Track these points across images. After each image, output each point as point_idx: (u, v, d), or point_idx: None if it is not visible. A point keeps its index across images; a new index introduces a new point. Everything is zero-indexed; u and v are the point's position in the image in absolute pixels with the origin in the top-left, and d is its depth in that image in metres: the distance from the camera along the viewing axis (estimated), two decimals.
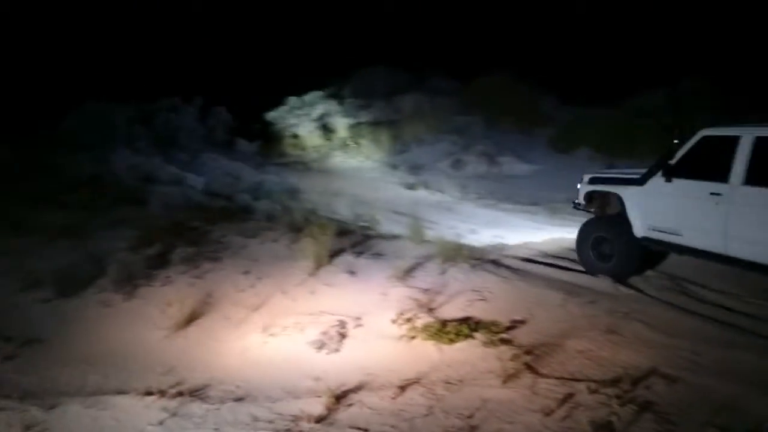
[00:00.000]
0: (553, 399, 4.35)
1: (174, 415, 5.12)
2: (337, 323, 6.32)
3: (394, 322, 6.20)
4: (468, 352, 5.49)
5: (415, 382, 5.13)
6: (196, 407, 5.23)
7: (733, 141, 5.57)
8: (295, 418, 4.80)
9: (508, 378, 4.81)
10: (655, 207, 6.36)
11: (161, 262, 8.17)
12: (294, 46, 25.22)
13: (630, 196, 6.63)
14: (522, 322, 5.91)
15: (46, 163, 11.70)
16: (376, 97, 20.37)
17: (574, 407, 4.21)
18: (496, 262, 7.56)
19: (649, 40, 19.68)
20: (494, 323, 5.86)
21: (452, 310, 6.38)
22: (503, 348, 5.35)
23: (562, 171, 15.23)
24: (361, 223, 9.03)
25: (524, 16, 23.94)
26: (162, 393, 5.50)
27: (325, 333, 6.16)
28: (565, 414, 4.16)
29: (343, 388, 5.18)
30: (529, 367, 4.91)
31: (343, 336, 6.12)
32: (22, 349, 6.66)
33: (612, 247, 6.75)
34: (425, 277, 7.17)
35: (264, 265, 7.80)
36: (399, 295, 6.76)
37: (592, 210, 7.41)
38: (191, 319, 6.90)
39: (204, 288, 7.52)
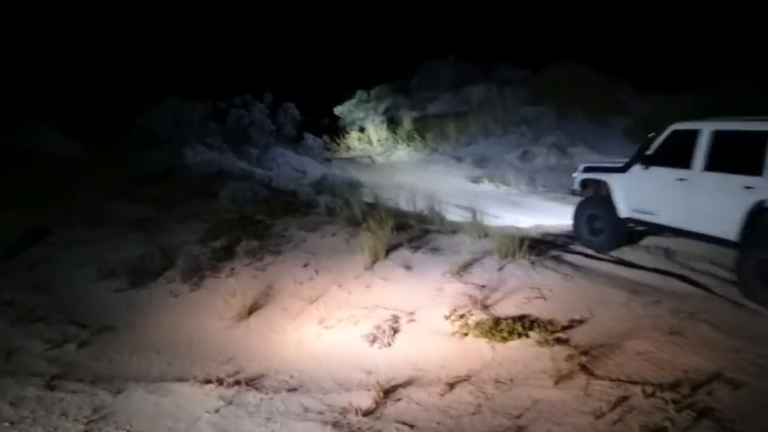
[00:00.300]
0: (606, 402, 4.17)
1: (230, 403, 5.31)
2: (391, 318, 6.33)
3: (447, 318, 6.13)
4: (521, 351, 5.36)
5: (464, 379, 5.07)
6: (251, 396, 5.40)
7: (696, 134, 6.51)
8: (344, 411, 4.85)
9: (561, 378, 4.65)
10: (635, 191, 7.35)
11: (227, 254, 8.46)
12: (362, 40, 25.38)
13: (615, 182, 7.65)
14: (581, 321, 5.70)
15: (124, 157, 12.38)
16: (443, 89, 20.20)
17: (627, 411, 4.03)
18: (557, 259, 7.33)
19: (734, 18, 18.41)
20: (551, 322, 5.68)
21: (508, 308, 6.24)
22: (558, 348, 5.18)
23: None
24: (421, 218, 8.95)
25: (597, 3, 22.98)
26: (220, 381, 5.70)
27: (378, 327, 6.18)
28: (617, 417, 3.98)
29: (393, 383, 5.20)
30: (584, 368, 4.73)
31: (395, 330, 6.11)
32: (95, 336, 7.10)
33: (602, 224, 7.78)
34: (482, 273, 7.04)
35: (322, 258, 7.92)
36: (454, 290, 6.68)
37: (587, 195, 8.36)
38: (252, 309, 7.12)
39: (265, 280, 7.73)
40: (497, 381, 4.93)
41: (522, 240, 7.32)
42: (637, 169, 7.27)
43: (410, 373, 5.40)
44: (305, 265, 7.83)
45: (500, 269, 7.08)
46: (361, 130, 19.13)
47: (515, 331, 5.59)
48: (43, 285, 8.58)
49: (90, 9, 22.64)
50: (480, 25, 24.66)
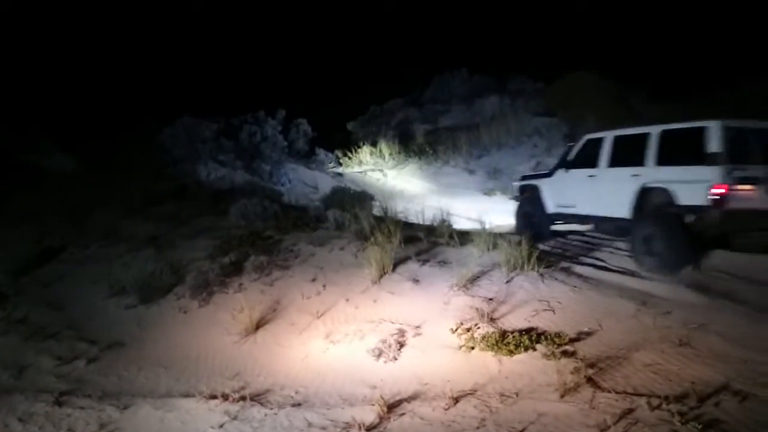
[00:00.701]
0: (611, 414, 4.08)
1: (234, 418, 5.31)
2: (397, 332, 6.28)
3: (453, 331, 6.07)
4: (528, 364, 5.27)
5: (470, 393, 5.00)
6: (256, 411, 5.39)
7: (602, 140, 8.33)
8: (347, 426, 4.82)
9: (567, 391, 4.57)
10: (558, 190, 9.06)
11: (236, 269, 8.49)
12: (375, 55, 25.60)
13: (543, 185, 9.40)
14: (589, 333, 5.61)
15: (138, 175, 12.55)
16: (455, 102, 20.19)
17: (632, 423, 3.93)
18: (567, 271, 7.24)
19: (748, 23, 18.22)
20: (558, 335, 5.59)
21: (516, 321, 6.16)
22: (565, 360, 5.09)
23: None
24: (429, 230, 8.90)
25: (607, 7, 22.93)
26: (226, 397, 5.71)
27: (384, 341, 6.13)
28: (622, 430, 3.89)
29: (398, 397, 5.16)
30: (591, 381, 4.64)
31: (401, 345, 6.06)
32: (104, 352, 7.17)
33: (535, 219, 9.41)
34: (490, 286, 6.96)
35: (330, 272, 7.91)
36: (461, 304, 6.61)
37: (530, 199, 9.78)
38: (259, 325, 7.14)
39: (273, 295, 7.74)
40: (502, 395, 4.85)
41: (530, 252, 7.24)
42: (559, 173, 9.07)
43: (415, 387, 5.34)
44: (313, 280, 7.83)
45: (508, 282, 7.00)
46: (374, 144, 19.18)
47: (522, 344, 5.51)
48: (55, 302, 8.71)
49: (105, 30, 23.16)
50: (492, 37, 24.77)
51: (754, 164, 6.85)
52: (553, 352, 5.24)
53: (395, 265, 7.64)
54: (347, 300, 7.21)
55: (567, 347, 5.34)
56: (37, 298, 8.87)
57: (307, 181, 14.62)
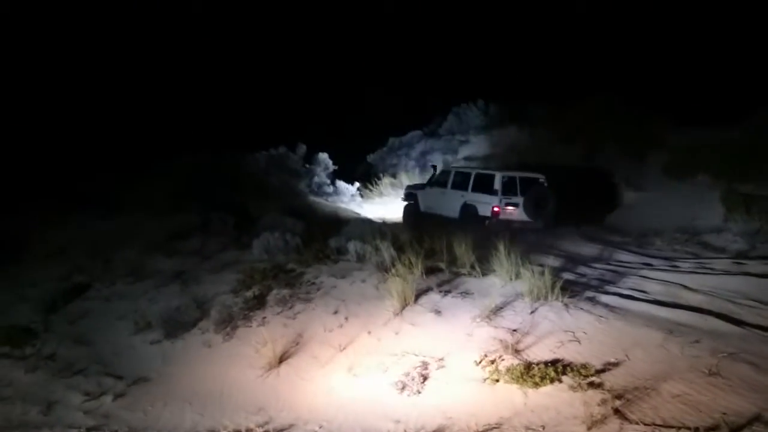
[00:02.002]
0: None
1: None
2: (420, 364, 6.23)
3: (477, 364, 6.00)
4: (554, 396, 5.18)
5: (495, 427, 4.93)
6: None
7: (450, 171, 14.24)
8: None
9: (594, 424, 4.48)
10: (426, 198, 14.44)
11: (259, 303, 8.54)
12: (393, 87, 25.94)
13: (419, 194, 14.82)
14: (615, 364, 5.50)
15: (161, 210, 12.80)
16: (474, 132, 20.28)
17: None
18: (592, 300, 7.14)
19: None
20: (585, 366, 5.49)
21: (541, 352, 6.07)
22: (591, 392, 5.00)
23: (677, 198, 14.22)
24: (451, 259, 8.87)
25: (627, 34, 22.98)
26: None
27: (407, 374, 6.09)
28: None
29: None
30: (618, 413, 4.55)
31: (425, 378, 6.01)
32: (131, 388, 7.22)
33: (414, 215, 14.44)
34: (513, 317, 6.88)
35: (352, 304, 7.91)
36: (484, 335, 6.54)
37: (410, 201, 15.10)
38: (282, 358, 7.14)
39: (296, 328, 7.75)
40: (528, 428, 4.78)
41: (554, 282, 7.17)
42: (427, 188, 14.63)
43: (440, 421, 5.28)
44: (335, 312, 7.83)
45: (532, 312, 6.91)
46: (393, 176, 19.33)
47: (548, 376, 5.42)
48: (83, 338, 8.83)
49: (128, 68, 23.87)
50: (508, 67, 24.95)
51: (514, 195, 12.53)
52: (579, 384, 5.15)
53: (417, 297, 7.62)
54: (369, 332, 7.19)
55: (593, 378, 5.24)
56: (65, 335, 9.00)
57: (326, 214, 14.72)
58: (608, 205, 15.45)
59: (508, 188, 12.38)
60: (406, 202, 15.07)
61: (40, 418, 6.91)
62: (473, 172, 13.22)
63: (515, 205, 12.33)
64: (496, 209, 12.12)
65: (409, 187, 15.79)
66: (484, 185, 12.58)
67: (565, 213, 13.18)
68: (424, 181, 15.23)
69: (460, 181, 13.19)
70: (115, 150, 17.64)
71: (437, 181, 14.07)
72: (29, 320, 9.51)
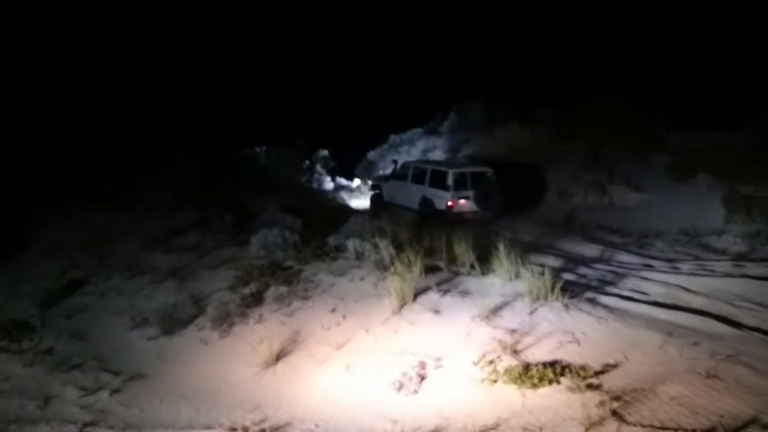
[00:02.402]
0: None
1: None
2: (418, 364, 6.19)
3: (475, 364, 5.97)
4: (552, 397, 5.14)
5: (492, 428, 4.90)
6: None
7: (409, 165, 15.68)
8: None
9: (592, 425, 4.45)
10: (389, 189, 15.83)
11: (256, 300, 8.51)
12: (394, 83, 25.88)
13: (383, 185, 16.23)
14: (614, 365, 5.46)
15: (159, 206, 12.76)
16: (475, 131, 20.19)
17: None
18: (592, 301, 7.10)
19: None
20: (583, 367, 5.46)
21: (539, 353, 6.03)
22: (590, 394, 4.97)
23: (678, 200, 14.21)
24: (450, 258, 8.83)
25: (630, 35, 22.91)
26: (246, 430, 5.71)
27: (404, 374, 6.06)
28: None
29: None
30: (616, 414, 4.52)
31: (422, 377, 5.98)
32: (127, 384, 7.19)
33: (379, 204, 15.83)
34: (512, 317, 6.84)
35: (350, 303, 7.87)
36: (483, 335, 6.50)
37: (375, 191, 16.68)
38: (279, 356, 7.10)
39: (293, 326, 7.72)
40: (526, 429, 4.75)
41: (554, 282, 7.12)
42: (390, 180, 15.94)
43: (437, 421, 5.25)
44: (333, 310, 7.80)
45: (531, 312, 6.87)
46: None
47: (546, 378, 5.38)
48: (80, 333, 8.81)
49: (129, 65, 23.84)
50: (511, 66, 24.88)
51: (465, 189, 13.76)
52: (577, 385, 5.12)
53: (416, 296, 7.58)
54: (367, 331, 7.15)
55: (592, 380, 5.20)
56: (62, 330, 8.98)
57: (327, 210, 14.65)
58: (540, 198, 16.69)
59: (460, 183, 13.75)
60: (372, 192, 16.94)
61: (38, 413, 6.88)
62: (429, 169, 14.64)
63: (467, 197, 13.71)
64: (450, 203, 13.58)
65: (374, 178, 17.72)
66: (439, 181, 14.02)
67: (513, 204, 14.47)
68: (387, 174, 16.80)
69: (419, 176, 14.68)
70: (115, 146, 17.61)
71: (399, 175, 15.65)
72: (27, 315, 9.48)
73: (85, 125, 19.80)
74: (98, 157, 16.39)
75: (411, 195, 14.67)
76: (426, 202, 14.17)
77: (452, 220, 12.85)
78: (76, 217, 13.30)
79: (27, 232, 13.04)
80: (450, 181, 13.66)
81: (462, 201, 13.66)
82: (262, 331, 7.45)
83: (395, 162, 16.53)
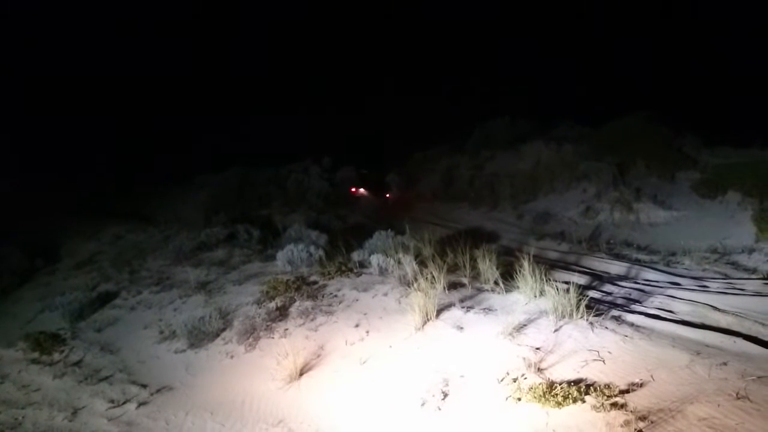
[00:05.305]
0: None
1: None
2: (441, 381, 6.18)
3: (500, 381, 5.94)
4: (576, 416, 5.09)
5: None
6: None
7: (363, 173, 22.70)
8: None
9: None
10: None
11: (281, 315, 8.59)
12: (419, 101, 26.04)
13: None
14: (640, 384, 5.38)
15: (190, 224, 12.99)
16: (500, 147, 20.19)
17: None
18: (617, 319, 7.02)
19: None
20: (608, 386, 5.39)
21: (564, 371, 5.98)
22: (615, 413, 4.90)
23: (707, 217, 13.97)
24: (474, 275, 8.82)
25: (657, 52, 22.73)
26: None
27: (428, 390, 6.06)
28: None
29: None
30: None
31: (445, 394, 5.97)
32: (155, 396, 7.29)
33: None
34: (537, 335, 6.80)
35: (373, 318, 7.90)
36: (507, 353, 6.47)
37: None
38: (303, 371, 7.14)
39: (317, 341, 7.76)
40: None
41: (579, 300, 7.07)
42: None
43: None
44: (356, 326, 7.83)
45: (556, 330, 6.82)
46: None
47: (570, 396, 5.33)
48: (109, 346, 8.97)
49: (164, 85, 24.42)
50: (536, 82, 24.85)
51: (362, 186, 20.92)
52: (602, 404, 5.06)
53: (439, 312, 7.58)
54: (390, 347, 7.17)
55: (617, 399, 5.14)
56: (92, 342, 9.18)
57: (349, 227, 14.77)
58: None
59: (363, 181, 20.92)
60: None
61: (66, 424, 7.03)
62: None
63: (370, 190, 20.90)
64: (354, 192, 20.53)
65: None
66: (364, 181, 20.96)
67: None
68: None
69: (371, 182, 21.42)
70: (150, 166, 18.10)
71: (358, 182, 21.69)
72: (58, 327, 9.73)
73: (121, 146, 20.39)
74: (134, 176, 16.85)
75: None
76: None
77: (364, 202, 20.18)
78: (107, 232, 13.63)
79: (60, 247, 13.40)
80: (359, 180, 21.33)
81: (365, 192, 21.28)
82: (286, 346, 7.51)
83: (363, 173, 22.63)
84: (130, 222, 14.18)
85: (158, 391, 7.45)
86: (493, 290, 8.25)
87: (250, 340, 8.13)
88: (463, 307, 7.68)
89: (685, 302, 7.66)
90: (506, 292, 8.12)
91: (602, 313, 7.11)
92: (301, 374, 7.09)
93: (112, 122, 22.81)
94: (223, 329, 8.53)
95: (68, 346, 9.05)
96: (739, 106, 18.85)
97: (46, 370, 8.43)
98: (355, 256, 10.01)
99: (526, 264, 7.83)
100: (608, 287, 8.91)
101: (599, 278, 9.64)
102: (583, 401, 5.23)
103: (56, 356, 8.79)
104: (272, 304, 8.83)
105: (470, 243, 10.10)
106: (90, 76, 24.24)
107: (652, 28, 24.18)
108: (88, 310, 10.18)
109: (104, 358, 8.60)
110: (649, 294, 8.27)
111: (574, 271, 10.04)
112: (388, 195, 21.48)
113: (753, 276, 9.79)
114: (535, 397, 5.44)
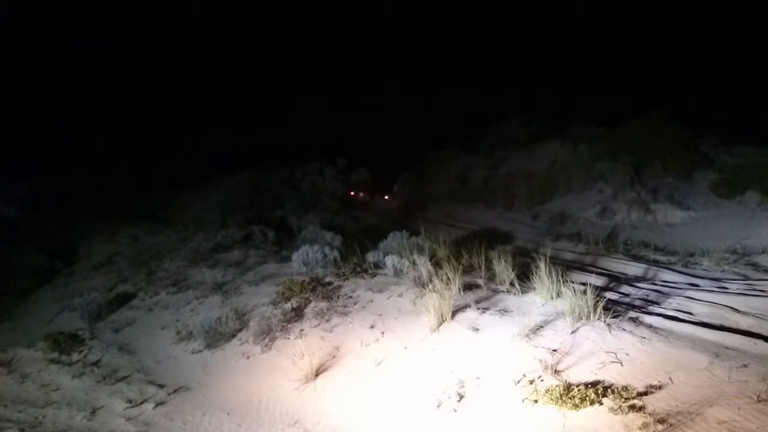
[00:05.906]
0: None
1: None
2: (457, 382, 6.17)
3: (516, 383, 5.91)
4: (594, 418, 5.06)
5: None
6: None
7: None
8: None
9: None
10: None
11: (297, 315, 8.63)
12: (432, 101, 26.03)
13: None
14: (658, 387, 5.33)
15: (206, 225, 13.10)
16: (515, 147, 20.10)
17: None
18: (635, 321, 6.95)
19: None
20: (626, 388, 5.35)
21: (581, 373, 5.93)
22: (633, 415, 4.86)
23: (725, 218, 13.79)
24: (489, 276, 8.79)
25: (675, 52, 22.51)
26: None
27: (444, 392, 6.05)
28: None
29: None
30: None
31: (461, 396, 5.95)
32: (172, 396, 7.36)
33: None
34: (554, 337, 6.75)
35: (388, 319, 7.90)
36: (523, 354, 6.44)
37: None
38: (319, 372, 7.17)
39: (332, 341, 7.79)
40: None
41: (597, 301, 7.01)
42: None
43: None
44: (371, 327, 7.84)
45: (573, 332, 6.77)
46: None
47: (588, 398, 5.29)
48: (126, 346, 9.07)
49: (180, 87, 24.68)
50: (550, 83, 24.72)
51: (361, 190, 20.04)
52: (620, 407, 5.01)
53: (454, 313, 7.56)
54: (405, 348, 7.17)
55: (635, 401, 5.09)
56: (110, 342, 9.28)
57: (363, 228, 14.78)
58: None
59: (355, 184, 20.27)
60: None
61: (85, 423, 7.11)
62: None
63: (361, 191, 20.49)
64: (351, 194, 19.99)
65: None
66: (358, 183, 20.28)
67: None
68: None
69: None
70: (167, 168, 18.31)
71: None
72: (76, 328, 9.85)
73: (139, 147, 20.66)
74: (149, 177, 17.06)
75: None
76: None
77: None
78: (125, 234, 13.79)
79: (78, 248, 13.58)
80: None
81: (361, 194, 20.52)
82: (302, 346, 7.54)
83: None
84: (147, 223, 14.32)
85: (175, 391, 7.51)
86: (508, 291, 8.21)
87: (266, 340, 8.17)
88: (478, 309, 7.65)
89: (704, 304, 7.58)
90: (522, 293, 8.07)
91: (620, 315, 7.05)
92: (316, 375, 7.11)
93: (130, 124, 23.09)
94: (240, 330, 8.58)
95: (87, 347, 9.16)
96: (759, 105, 18.57)
97: (65, 370, 8.53)
98: (370, 257, 10.02)
99: (542, 265, 7.77)
100: (626, 288, 8.83)
101: (616, 279, 9.56)
102: (601, 403, 5.19)
103: (75, 356, 8.90)
104: (288, 305, 8.87)
105: (485, 244, 10.09)
106: (109, 77, 24.56)
107: (670, 26, 23.96)
108: (106, 310, 10.29)
109: (122, 359, 8.70)
110: (667, 295, 8.18)
111: (591, 272, 9.93)
112: (387, 197, 20.45)
113: None
114: (551, 399, 5.40)
